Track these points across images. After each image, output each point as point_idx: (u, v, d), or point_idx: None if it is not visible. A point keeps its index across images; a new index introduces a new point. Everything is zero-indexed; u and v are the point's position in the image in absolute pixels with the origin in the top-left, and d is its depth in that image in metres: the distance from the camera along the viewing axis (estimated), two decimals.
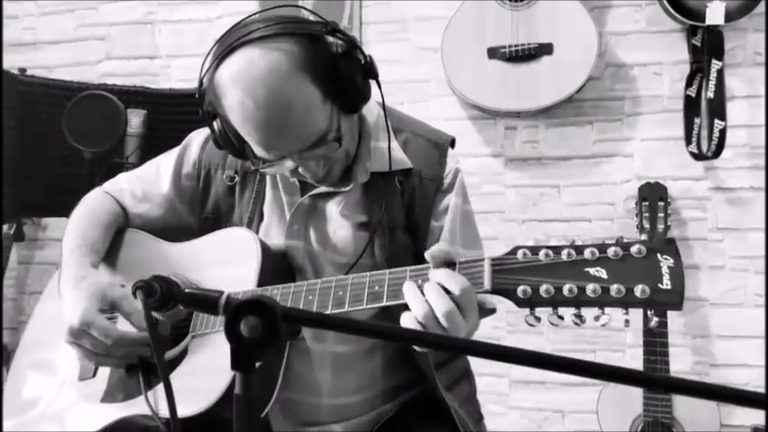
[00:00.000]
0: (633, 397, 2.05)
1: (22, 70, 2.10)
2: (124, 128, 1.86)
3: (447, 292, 0.92)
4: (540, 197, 2.40)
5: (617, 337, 2.36)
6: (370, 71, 1.11)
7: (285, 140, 1.07)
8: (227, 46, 1.05)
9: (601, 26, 2.31)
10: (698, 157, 2.25)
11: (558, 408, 2.39)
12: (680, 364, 2.27)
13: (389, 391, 1.29)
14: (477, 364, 2.37)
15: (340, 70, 1.07)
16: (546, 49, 2.19)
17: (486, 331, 2.44)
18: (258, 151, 1.11)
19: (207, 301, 0.79)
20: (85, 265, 1.22)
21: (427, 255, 0.95)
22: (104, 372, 1.24)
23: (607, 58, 2.34)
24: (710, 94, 2.21)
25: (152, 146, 1.47)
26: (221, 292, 0.81)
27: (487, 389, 2.44)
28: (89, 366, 1.26)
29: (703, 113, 2.24)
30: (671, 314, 2.28)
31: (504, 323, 2.43)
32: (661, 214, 2.17)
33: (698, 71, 2.24)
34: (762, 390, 2.14)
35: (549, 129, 2.39)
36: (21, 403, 1.32)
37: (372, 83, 1.15)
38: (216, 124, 1.13)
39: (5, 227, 2.33)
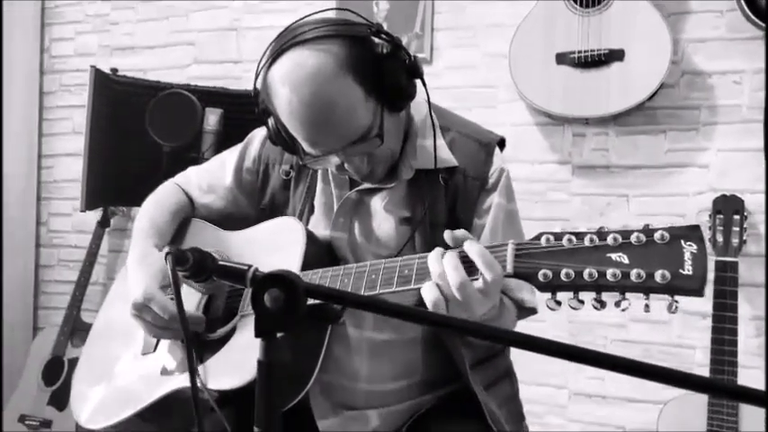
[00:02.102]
0: (696, 414, 1.97)
1: (114, 70, 2.28)
2: (200, 125, 1.99)
3: (472, 269, 0.95)
4: (607, 206, 2.36)
5: (686, 354, 2.27)
6: (414, 71, 1.15)
7: (329, 137, 1.13)
8: (278, 48, 1.12)
9: (678, 33, 2.25)
10: None
11: (620, 423, 2.32)
12: (755, 386, 2.15)
13: (428, 382, 1.30)
14: (536, 374, 2.36)
15: (383, 70, 1.11)
16: (617, 55, 2.16)
17: None
18: (305, 147, 1.17)
19: (236, 273, 0.85)
20: (150, 246, 1.32)
21: (447, 234, 0.98)
22: (164, 348, 1.34)
23: (684, 66, 2.27)
24: None
25: (227, 142, 1.56)
26: (250, 266, 0.87)
27: (547, 399, 2.40)
28: (150, 342, 1.36)
29: None
30: (745, 334, 2.18)
31: (567, 333, 2.39)
32: (736, 228, 2.07)
33: None
34: None
35: (620, 137, 2.34)
36: (94, 369, 1.44)
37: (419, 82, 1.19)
38: (270, 121, 1.21)
39: (92, 213, 2.52)
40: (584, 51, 2.18)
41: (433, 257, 0.98)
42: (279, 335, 1.00)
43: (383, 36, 1.13)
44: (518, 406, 1.39)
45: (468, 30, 2.52)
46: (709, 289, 2.03)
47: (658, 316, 2.25)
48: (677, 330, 2.28)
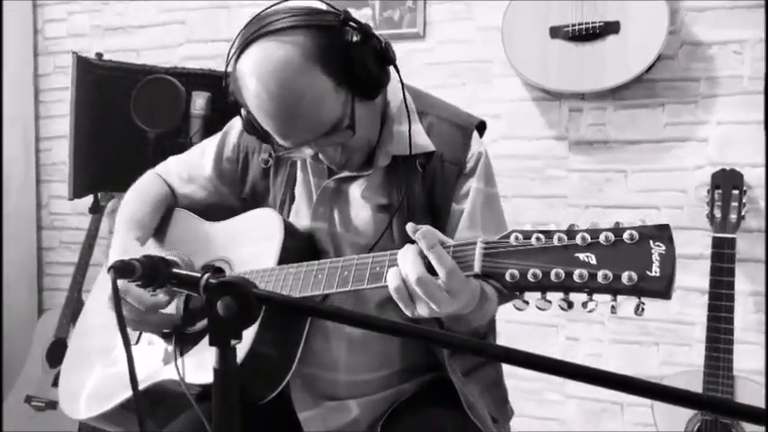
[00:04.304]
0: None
1: (99, 55, 2.25)
2: (184, 110, 1.97)
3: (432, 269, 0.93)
4: (606, 182, 2.32)
5: (684, 330, 2.25)
6: (385, 57, 1.13)
7: (299, 130, 1.12)
8: (244, 39, 1.10)
9: (676, 1, 2.18)
10: None
11: (617, 400, 2.32)
12: (753, 362, 2.14)
13: (407, 371, 1.30)
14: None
15: (353, 58, 1.09)
16: (612, 28, 2.10)
17: (546, 318, 2.40)
18: (277, 139, 1.15)
19: (189, 281, 0.84)
20: (131, 239, 1.31)
21: (412, 230, 0.96)
22: (146, 340, 1.34)
23: (683, 36, 2.21)
24: None
25: (215, 127, 1.55)
26: (204, 273, 0.86)
27: (545, 377, 2.39)
28: (133, 334, 1.36)
29: None
30: (744, 310, 2.16)
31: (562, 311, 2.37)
32: (735, 203, 2.03)
33: None
34: None
35: (618, 111, 2.29)
36: (80, 359, 1.45)
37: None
38: (243, 112, 1.19)
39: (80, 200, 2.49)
40: (579, 24, 2.12)
41: (401, 253, 0.97)
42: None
43: (352, 24, 1.11)
44: (502, 390, 1.39)
45: (462, 3, 2.45)
46: (706, 265, 2.02)
47: None
48: (676, 307, 2.25)
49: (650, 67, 2.14)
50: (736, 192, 2.03)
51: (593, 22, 2.11)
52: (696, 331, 2.22)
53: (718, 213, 2.04)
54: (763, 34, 2.11)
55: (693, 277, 2.20)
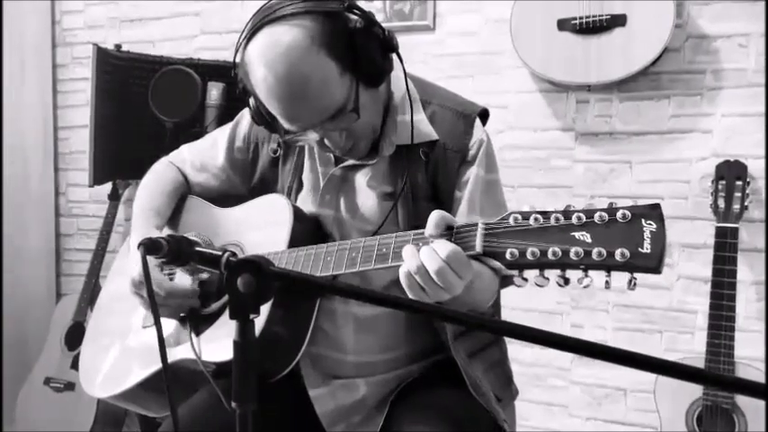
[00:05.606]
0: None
1: (118, 46, 2.32)
2: (200, 100, 2.03)
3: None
4: (611, 173, 2.36)
5: (687, 318, 2.29)
6: (388, 45, 1.17)
7: (305, 112, 1.15)
8: (253, 26, 1.14)
9: None
10: None
11: (621, 386, 2.37)
12: (754, 350, 2.17)
13: (414, 353, 1.34)
14: None
15: (357, 45, 1.13)
16: (619, 21, 2.13)
17: (551, 306, 2.45)
18: (284, 124, 1.19)
19: (211, 259, 0.90)
20: (150, 227, 1.37)
21: (428, 231, 1.01)
22: (162, 322, 1.40)
23: (689, 29, 2.24)
24: None
25: (230, 116, 1.60)
26: (225, 251, 0.91)
27: (551, 362, 2.45)
28: (148, 319, 1.42)
29: None
30: (746, 299, 2.19)
31: (569, 298, 2.42)
32: (738, 194, 2.07)
33: None
34: None
35: (624, 103, 2.32)
36: (99, 341, 1.52)
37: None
38: (251, 101, 1.23)
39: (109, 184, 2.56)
40: (586, 17, 2.15)
41: (409, 252, 1.00)
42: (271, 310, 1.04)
43: (355, 11, 1.15)
44: (506, 370, 1.43)
45: None
46: (709, 254, 2.06)
47: (660, 281, 2.27)
48: (679, 295, 2.29)
49: (656, 60, 2.17)
50: (739, 182, 2.06)
51: (600, 15, 2.15)
52: (699, 319, 2.26)
53: (721, 204, 2.07)
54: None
55: (697, 266, 2.24)
